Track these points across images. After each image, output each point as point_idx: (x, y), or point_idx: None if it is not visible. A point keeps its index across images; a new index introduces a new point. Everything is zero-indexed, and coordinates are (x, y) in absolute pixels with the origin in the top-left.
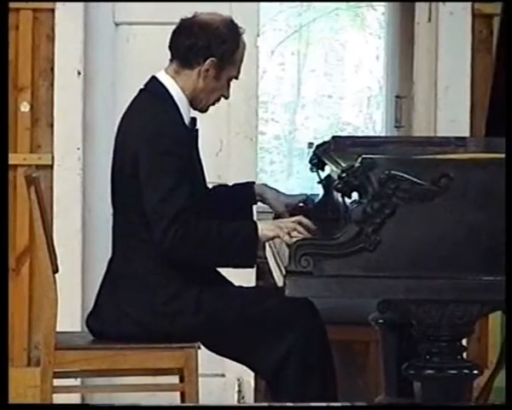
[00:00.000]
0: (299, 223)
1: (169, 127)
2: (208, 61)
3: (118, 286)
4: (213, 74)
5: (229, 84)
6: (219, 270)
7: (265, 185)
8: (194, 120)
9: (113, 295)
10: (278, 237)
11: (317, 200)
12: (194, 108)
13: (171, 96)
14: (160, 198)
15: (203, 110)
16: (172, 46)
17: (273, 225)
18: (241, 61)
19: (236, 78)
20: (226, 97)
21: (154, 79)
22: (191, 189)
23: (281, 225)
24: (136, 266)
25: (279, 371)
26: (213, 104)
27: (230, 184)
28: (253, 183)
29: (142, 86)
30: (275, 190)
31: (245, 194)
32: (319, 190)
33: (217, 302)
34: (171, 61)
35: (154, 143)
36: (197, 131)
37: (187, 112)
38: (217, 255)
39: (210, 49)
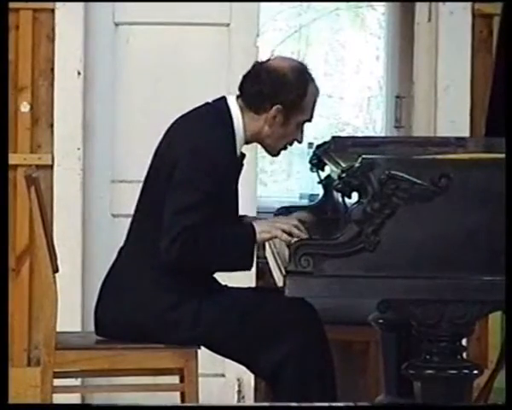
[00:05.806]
0: (295, 225)
1: (218, 150)
2: (274, 108)
3: (120, 285)
4: (281, 121)
5: (301, 129)
6: (217, 277)
7: (255, 218)
8: (243, 155)
9: (115, 292)
10: (275, 237)
11: (317, 200)
12: (266, 151)
13: (233, 125)
14: (178, 209)
15: (273, 154)
16: (242, 89)
17: (269, 226)
18: (313, 105)
19: (309, 121)
20: (299, 141)
21: (224, 100)
22: (214, 216)
23: (276, 224)
24: (140, 271)
25: (278, 374)
26: (285, 148)
27: None
28: (245, 216)
29: (209, 100)
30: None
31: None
32: (319, 190)
33: (215, 313)
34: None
35: (197, 157)
36: (242, 166)
37: (241, 144)
38: (217, 263)
39: (276, 96)
